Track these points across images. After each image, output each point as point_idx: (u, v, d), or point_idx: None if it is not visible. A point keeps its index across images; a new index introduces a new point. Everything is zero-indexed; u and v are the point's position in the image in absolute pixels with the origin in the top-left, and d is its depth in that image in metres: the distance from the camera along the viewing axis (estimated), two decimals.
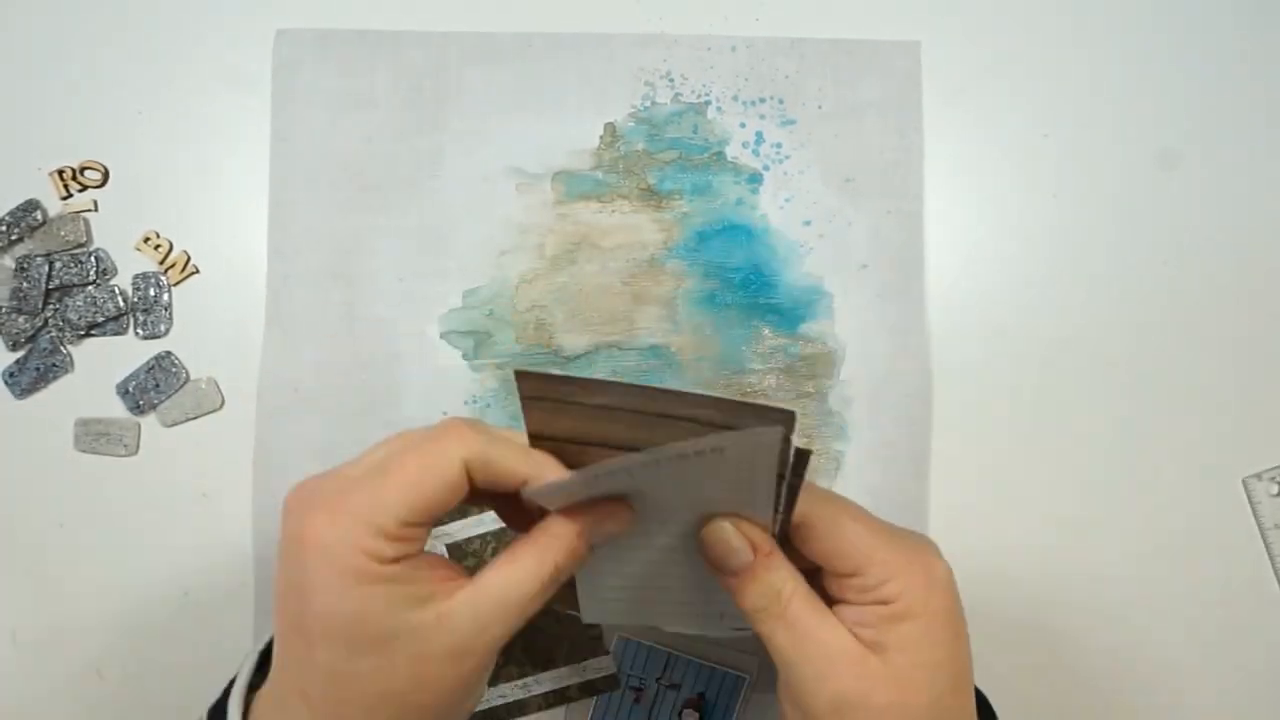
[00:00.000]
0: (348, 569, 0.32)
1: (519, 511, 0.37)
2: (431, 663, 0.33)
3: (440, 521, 0.44)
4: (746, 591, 0.36)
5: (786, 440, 0.32)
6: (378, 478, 0.33)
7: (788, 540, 0.37)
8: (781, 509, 0.36)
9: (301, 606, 0.33)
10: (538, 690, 0.49)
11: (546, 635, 0.49)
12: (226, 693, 0.35)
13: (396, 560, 0.33)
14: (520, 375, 0.33)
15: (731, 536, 0.36)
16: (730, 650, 0.50)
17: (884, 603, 0.35)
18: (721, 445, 0.31)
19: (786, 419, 0.32)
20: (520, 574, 0.34)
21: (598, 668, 0.49)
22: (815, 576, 0.37)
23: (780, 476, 0.34)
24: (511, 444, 0.34)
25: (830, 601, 0.36)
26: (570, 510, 0.35)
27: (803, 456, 0.34)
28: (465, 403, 0.51)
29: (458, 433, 0.34)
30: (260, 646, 0.37)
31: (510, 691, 0.49)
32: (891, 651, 0.34)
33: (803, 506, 0.36)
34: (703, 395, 0.32)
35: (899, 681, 0.34)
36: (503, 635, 0.34)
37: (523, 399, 0.34)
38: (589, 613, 0.40)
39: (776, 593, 0.35)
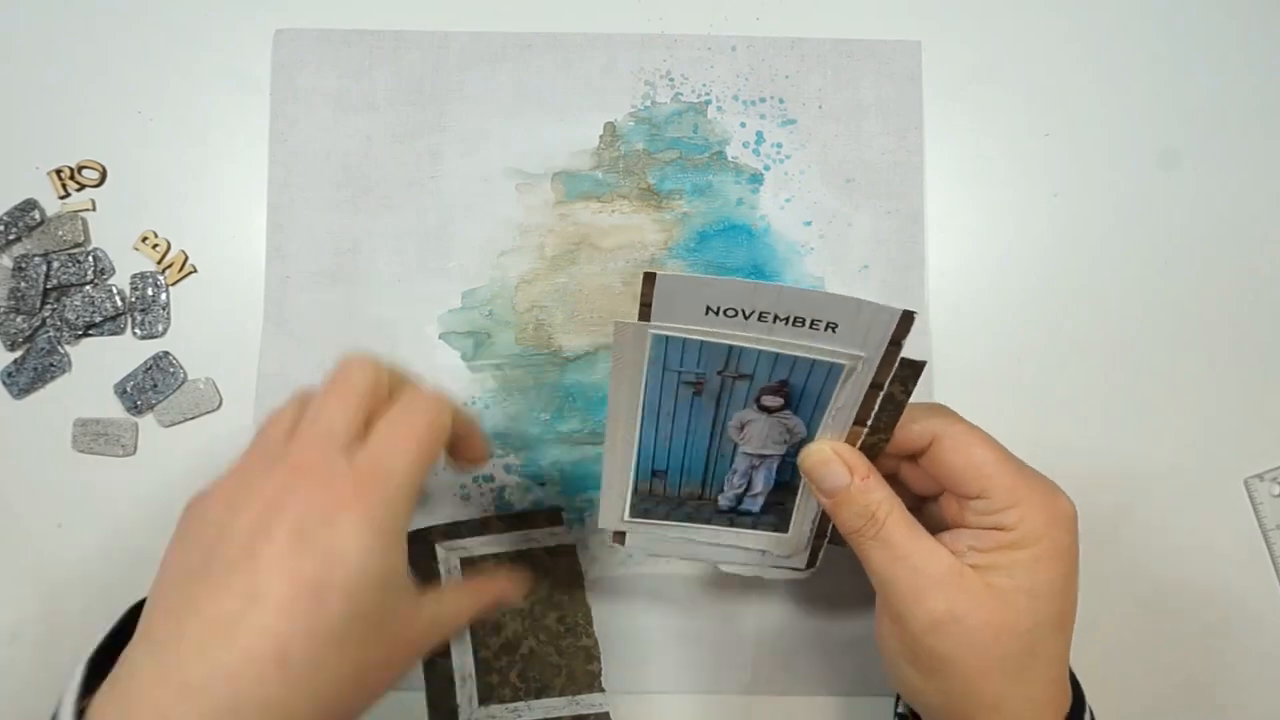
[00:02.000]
0: (383, 535, 0.34)
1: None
2: (397, 649, 0.35)
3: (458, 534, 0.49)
4: (842, 513, 0.37)
5: (898, 336, 0.34)
6: (393, 446, 0.35)
7: (887, 456, 0.38)
8: (876, 422, 0.37)
9: (324, 560, 0.32)
10: (528, 716, 0.48)
11: (546, 663, 0.49)
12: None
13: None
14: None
15: (830, 458, 0.37)
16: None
17: (1002, 529, 0.36)
18: (835, 319, 0.34)
19: (906, 314, 0.33)
20: (457, 603, 0.40)
21: (591, 703, 0.49)
22: (926, 506, 0.39)
23: (876, 386, 0.35)
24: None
25: (946, 525, 0.38)
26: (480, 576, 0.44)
27: (914, 368, 0.36)
28: (464, 403, 0.50)
29: (437, 406, 0.37)
30: (89, 654, 0.36)
31: (501, 714, 0.48)
32: (998, 573, 0.35)
33: (935, 425, 0.37)
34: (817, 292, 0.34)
35: (1000, 602, 0.35)
36: (437, 642, 0.38)
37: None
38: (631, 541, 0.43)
39: (871, 514, 0.36)
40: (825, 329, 0.34)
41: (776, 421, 0.38)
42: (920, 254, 0.52)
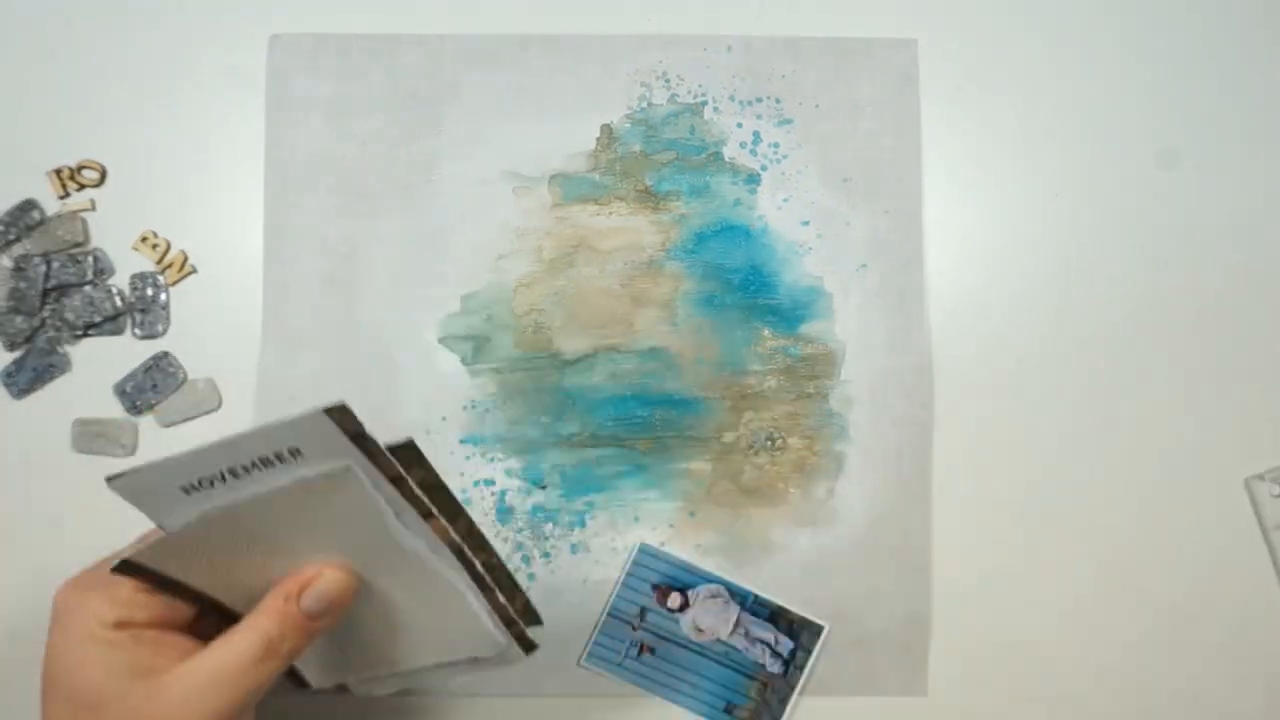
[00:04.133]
0: (78, 630, 0.36)
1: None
2: None
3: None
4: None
5: (350, 429, 0.33)
6: (108, 580, 0.36)
7: (485, 545, 0.38)
8: (441, 508, 0.36)
9: (44, 666, 0.36)
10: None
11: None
12: None
13: (122, 626, 0.36)
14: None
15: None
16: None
17: None
18: (291, 444, 0.33)
19: (331, 409, 0.32)
20: (233, 648, 0.36)
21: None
22: None
23: (396, 480, 0.35)
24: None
25: None
26: (280, 583, 0.37)
27: (408, 451, 0.35)
28: (464, 407, 0.50)
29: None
30: None
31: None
32: None
33: None
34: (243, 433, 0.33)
35: None
36: (222, 711, 0.35)
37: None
38: (317, 678, 0.42)
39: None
40: (292, 457, 0.34)
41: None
42: (918, 253, 0.52)
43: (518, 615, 0.40)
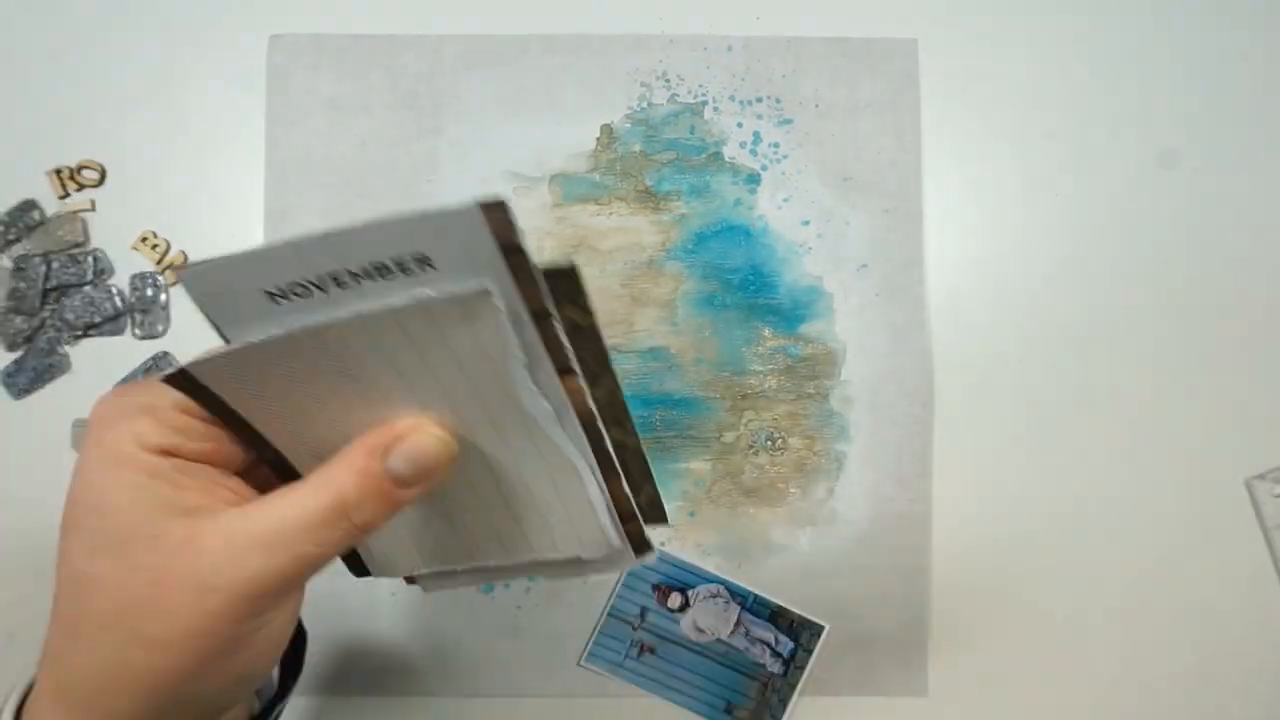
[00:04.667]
0: (109, 452, 0.28)
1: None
2: (171, 589, 0.27)
3: None
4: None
5: (504, 237, 0.26)
6: (146, 386, 0.30)
7: (623, 419, 0.30)
8: (583, 366, 0.29)
9: (69, 491, 0.29)
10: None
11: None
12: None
13: (165, 453, 0.29)
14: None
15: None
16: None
17: None
18: (419, 250, 0.26)
19: (488, 204, 0.25)
20: (297, 502, 0.28)
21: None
22: None
23: (541, 315, 0.27)
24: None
25: None
26: (363, 436, 0.29)
27: (568, 276, 0.27)
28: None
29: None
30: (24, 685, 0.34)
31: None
32: None
33: None
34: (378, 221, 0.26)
35: None
36: (264, 578, 0.28)
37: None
38: (382, 564, 0.34)
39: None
40: (417, 266, 0.26)
41: None
42: (918, 252, 0.52)
43: (641, 510, 0.32)
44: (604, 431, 0.30)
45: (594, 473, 0.31)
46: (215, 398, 0.29)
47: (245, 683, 0.31)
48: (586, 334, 0.28)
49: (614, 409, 0.30)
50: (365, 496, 0.29)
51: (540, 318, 0.27)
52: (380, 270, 0.26)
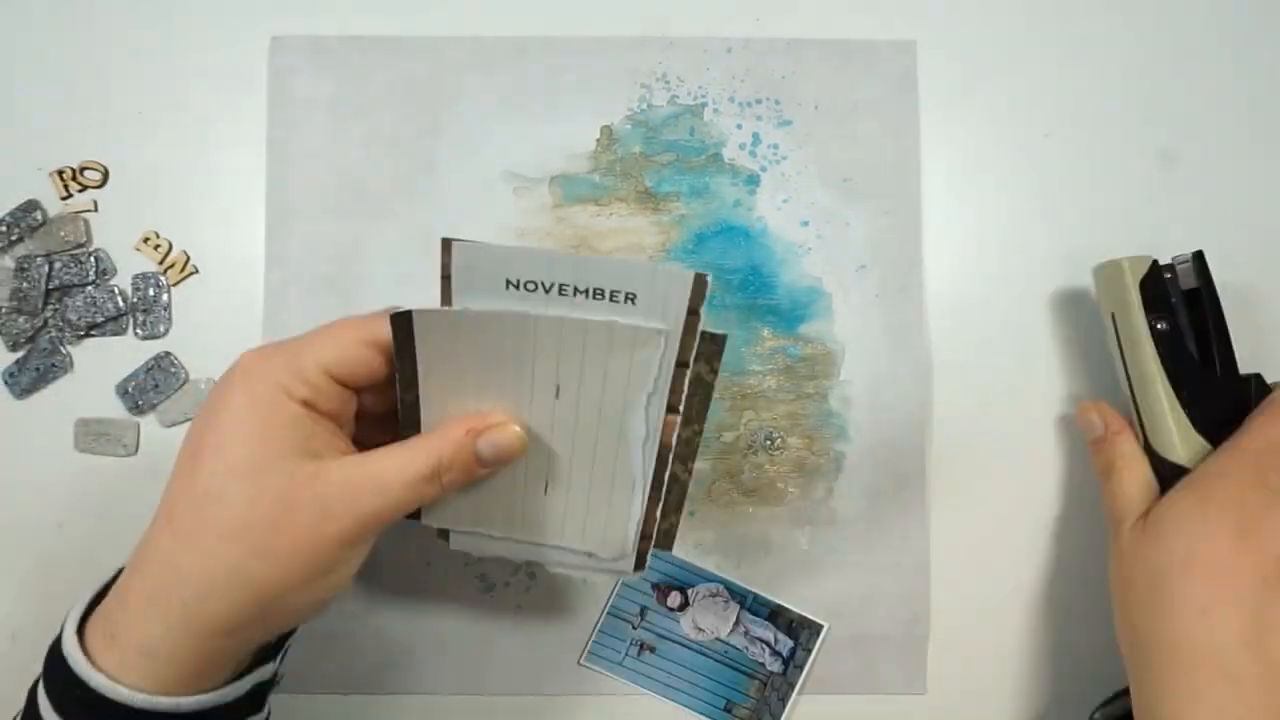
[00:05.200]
0: (257, 395, 0.35)
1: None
2: (296, 511, 0.34)
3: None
4: (1094, 458, 0.48)
5: (695, 303, 0.33)
6: (312, 334, 0.37)
7: (688, 459, 0.38)
8: (687, 410, 0.36)
9: (204, 422, 0.36)
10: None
11: None
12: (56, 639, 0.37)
13: (305, 404, 0.35)
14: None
15: (1088, 411, 0.48)
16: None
17: None
18: (634, 289, 0.33)
19: (699, 277, 0.33)
20: (404, 458, 0.36)
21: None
22: None
23: (682, 364, 0.35)
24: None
25: None
26: (464, 417, 0.37)
27: (716, 342, 0.35)
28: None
29: (358, 325, 0.37)
30: (90, 595, 0.39)
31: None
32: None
33: None
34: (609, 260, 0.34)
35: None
36: (374, 513, 0.35)
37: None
38: (431, 513, 0.41)
39: (1112, 461, 0.46)
40: (625, 300, 0.34)
41: None
42: (918, 254, 0.52)
43: (658, 535, 0.39)
44: (670, 465, 0.37)
45: (643, 493, 0.38)
46: (410, 341, 0.36)
47: (325, 604, 0.37)
48: (704, 388, 0.36)
49: (688, 450, 0.38)
50: (455, 464, 0.36)
51: (680, 365, 0.35)
52: (599, 293, 0.34)
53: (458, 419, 0.37)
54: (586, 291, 0.34)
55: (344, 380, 0.37)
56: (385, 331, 0.36)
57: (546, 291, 0.34)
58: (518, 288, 0.34)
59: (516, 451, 0.37)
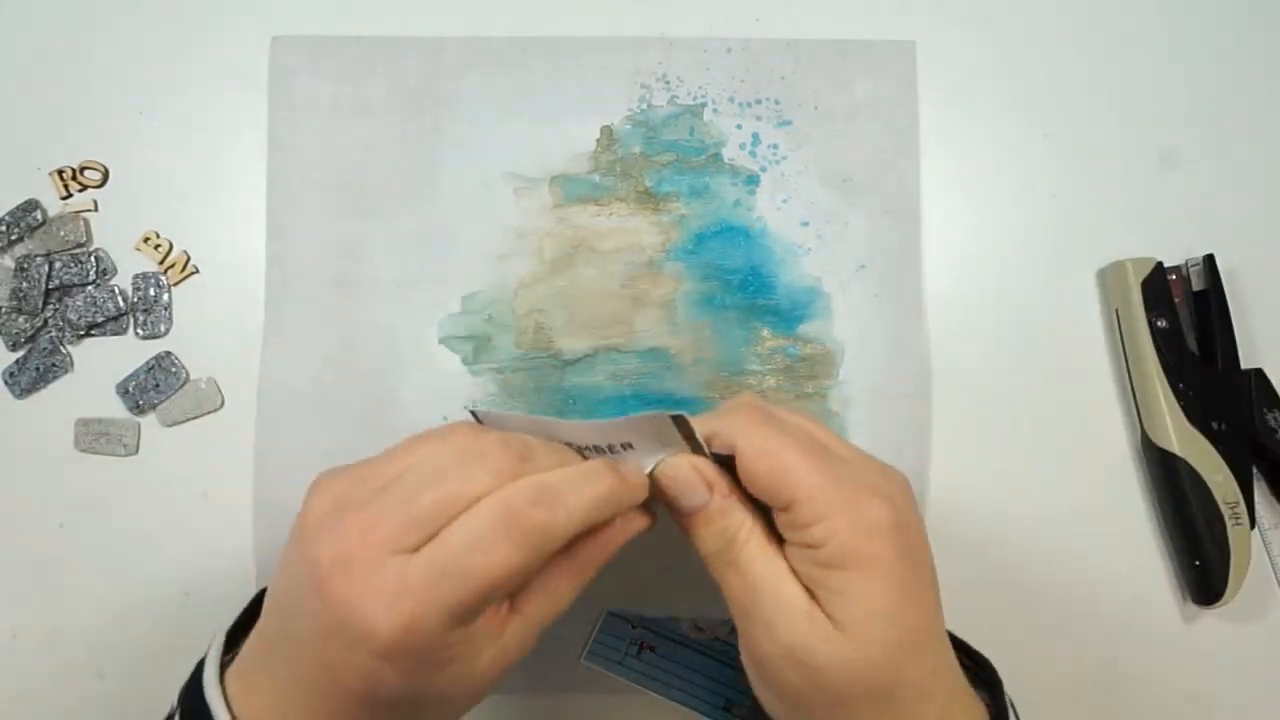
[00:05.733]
0: (421, 663, 0.31)
1: None
2: (465, 684, 0.33)
3: None
4: (702, 534, 0.35)
5: (687, 434, 0.34)
6: (459, 580, 0.30)
7: None
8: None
9: (363, 682, 0.31)
10: None
11: None
12: (197, 674, 0.35)
13: (466, 639, 0.32)
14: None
15: (688, 472, 0.35)
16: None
17: (814, 546, 0.33)
18: (628, 440, 0.35)
19: (676, 417, 0.34)
20: (556, 599, 0.34)
21: None
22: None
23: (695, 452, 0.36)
24: (586, 495, 0.33)
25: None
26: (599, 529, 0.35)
27: (726, 463, 0.35)
28: (464, 407, 0.51)
29: (544, 528, 0.32)
30: (228, 625, 0.37)
31: None
32: (836, 601, 0.32)
33: (735, 431, 0.34)
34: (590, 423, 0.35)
35: (844, 636, 0.32)
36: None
37: None
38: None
39: (730, 538, 0.34)
40: (623, 449, 0.35)
41: None
42: (917, 253, 0.52)
43: None
44: None
45: None
46: None
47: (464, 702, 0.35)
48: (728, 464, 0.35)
49: None
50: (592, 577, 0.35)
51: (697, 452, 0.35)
52: (598, 449, 0.36)
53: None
54: (591, 449, 0.36)
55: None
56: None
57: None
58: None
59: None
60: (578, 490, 0.33)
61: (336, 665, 0.31)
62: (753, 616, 0.34)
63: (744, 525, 0.34)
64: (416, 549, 0.31)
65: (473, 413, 0.37)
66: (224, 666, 0.35)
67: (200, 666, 0.35)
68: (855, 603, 0.32)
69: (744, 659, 0.36)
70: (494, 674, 0.33)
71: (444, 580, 0.30)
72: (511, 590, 0.33)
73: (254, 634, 0.35)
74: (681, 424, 0.34)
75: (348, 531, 0.31)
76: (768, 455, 0.34)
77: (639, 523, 0.36)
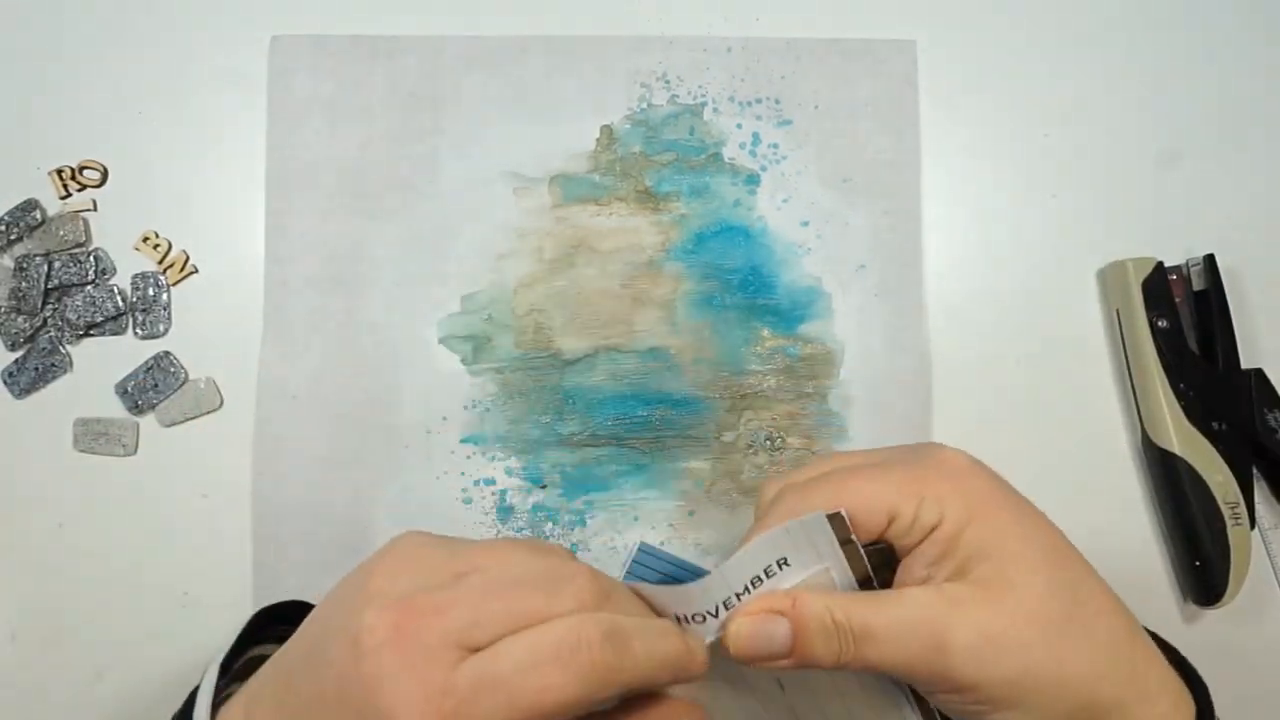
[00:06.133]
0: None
1: None
2: None
3: None
4: (814, 653, 0.33)
5: (843, 536, 0.33)
6: (509, 707, 0.28)
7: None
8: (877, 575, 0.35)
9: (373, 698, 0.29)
10: None
11: None
12: (188, 707, 0.34)
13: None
14: None
15: (750, 630, 0.33)
16: None
17: (933, 529, 0.32)
18: (782, 556, 0.33)
19: (833, 516, 0.32)
20: None
21: None
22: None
23: (861, 580, 0.34)
24: (658, 655, 0.32)
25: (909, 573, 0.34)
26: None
27: (881, 554, 0.34)
28: (464, 407, 0.51)
29: (607, 669, 0.30)
30: (220, 658, 0.36)
31: None
32: (971, 567, 0.32)
33: (802, 494, 0.34)
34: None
35: (996, 590, 0.31)
36: None
37: None
38: None
39: (832, 623, 0.33)
40: (780, 567, 0.33)
41: None
42: (917, 253, 0.52)
43: None
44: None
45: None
46: None
47: None
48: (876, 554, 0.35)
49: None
50: None
51: (864, 582, 0.34)
52: (756, 582, 0.33)
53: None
54: (746, 590, 0.33)
55: None
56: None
57: (715, 615, 0.34)
58: (688, 621, 0.34)
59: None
60: (648, 641, 0.31)
61: None
62: (913, 656, 0.32)
63: (832, 604, 0.33)
64: (477, 650, 0.29)
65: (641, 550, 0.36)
66: (224, 694, 0.34)
67: (192, 698, 0.34)
68: (991, 550, 0.32)
69: (955, 702, 0.33)
70: None
71: (493, 693, 0.28)
72: None
73: (269, 664, 0.34)
74: (839, 523, 0.32)
75: (417, 606, 0.30)
76: (846, 490, 0.34)
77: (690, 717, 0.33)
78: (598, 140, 0.52)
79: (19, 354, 0.51)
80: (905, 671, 0.33)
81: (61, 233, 0.51)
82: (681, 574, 0.49)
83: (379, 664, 0.29)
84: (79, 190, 0.52)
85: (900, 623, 0.32)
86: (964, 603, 0.31)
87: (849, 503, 0.33)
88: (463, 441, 0.51)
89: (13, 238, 0.51)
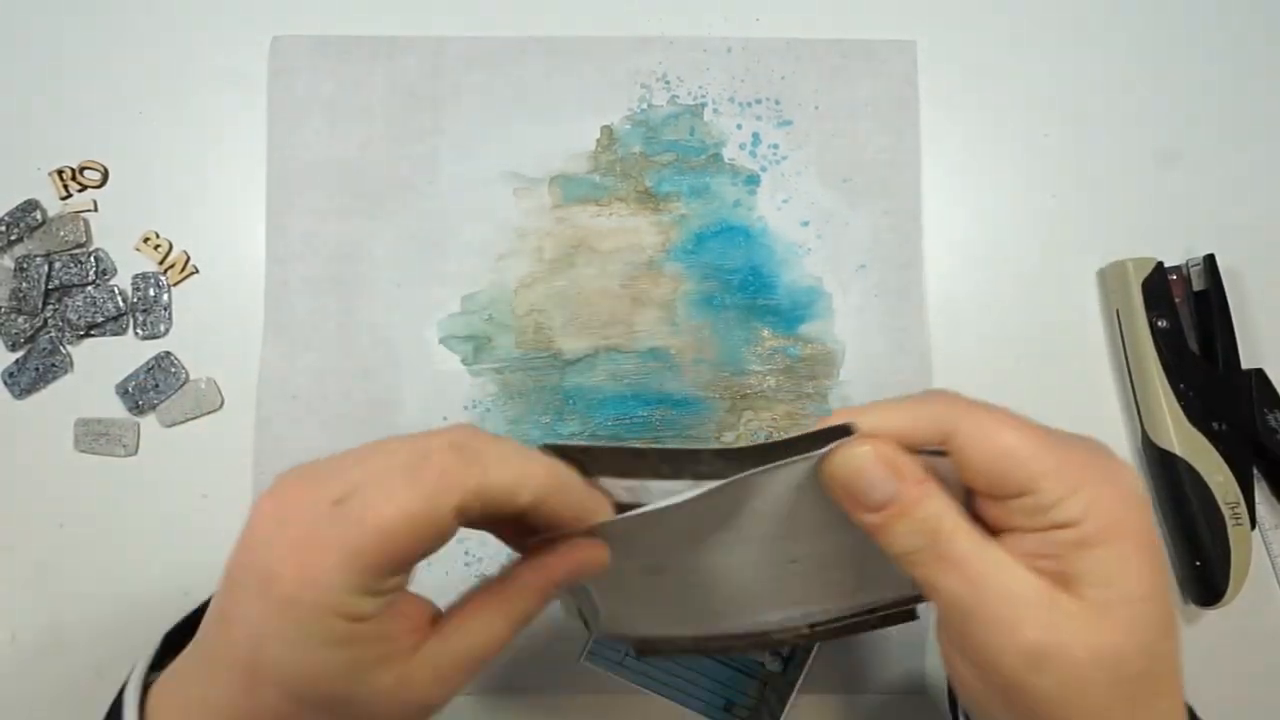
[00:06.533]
0: (313, 626, 0.28)
1: (517, 532, 0.33)
2: (364, 696, 0.30)
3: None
4: (894, 530, 0.30)
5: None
6: (358, 524, 0.28)
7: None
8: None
9: (255, 643, 0.29)
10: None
11: None
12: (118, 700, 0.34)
13: (366, 619, 0.29)
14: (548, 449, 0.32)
15: (871, 460, 0.30)
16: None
17: (1066, 525, 0.29)
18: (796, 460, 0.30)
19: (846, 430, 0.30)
20: (485, 627, 0.32)
21: None
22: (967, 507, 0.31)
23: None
24: (513, 465, 0.30)
25: (994, 534, 0.30)
26: (541, 553, 0.32)
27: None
28: (464, 407, 0.51)
29: (449, 473, 0.29)
30: (162, 635, 0.36)
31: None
32: (1085, 586, 0.28)
33: (945, 418, 0.31)
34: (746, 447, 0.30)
35: (1102, 624, 0.28)
36: (464, 685, 0.32)
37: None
38: (610, 626, 0.40)
39: (934, 530, 0.30)
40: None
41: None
42: (918, 253, 0.52)
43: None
44: None
45: None
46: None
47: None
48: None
49: None
50: (536, 610, 0.32)
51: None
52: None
53: (539, 561, 0.32)
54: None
55: (405, 571, 0.31)
56: (443, 512, 0.29)
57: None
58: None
59: (597, 575, 0.33)
60: (502, 451, 0.30)
61: (237, 623, 0.30)
62: (979, 616, 0.29)
63: (948, 513, 0.30)
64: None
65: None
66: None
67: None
68: (1120, 580, 0.28)
69: (958, 671, 0.31)
70: (396, 703, 0.30)
71: (345, 526, 0.28)
72: (420, 555, 0.29)
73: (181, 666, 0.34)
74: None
75: (288, 491, 0.30)
76: (995, 434, 0.30)
77: (587, 553, 0.32)
78: (598, 140, 0.52)
79: (19, 354, 0.51)
80: (950, 619, 0.30)
81: (62, 233, 0.51)
82: None
83: (257, 541, 0.30)
84: (79, 191, 0.52)
85: (994, 594, 0.29)
86: (1074, 617, 0.28)
87: (1008, 443, 0.30)
88: None
89: (13, 238, 0.51)
